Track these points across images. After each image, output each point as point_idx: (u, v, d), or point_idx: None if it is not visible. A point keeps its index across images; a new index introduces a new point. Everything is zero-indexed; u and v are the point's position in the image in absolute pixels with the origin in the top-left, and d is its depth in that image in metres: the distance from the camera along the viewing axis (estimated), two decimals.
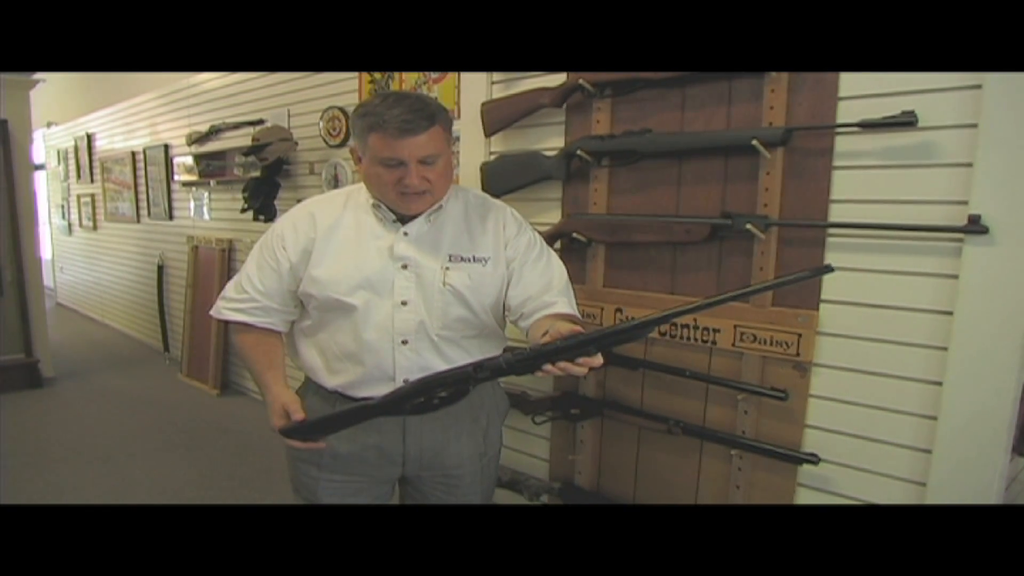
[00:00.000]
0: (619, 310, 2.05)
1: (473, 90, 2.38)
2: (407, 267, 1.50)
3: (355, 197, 1.58)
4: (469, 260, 1.54)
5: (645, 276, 2.02)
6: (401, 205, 1.48)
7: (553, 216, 2.22)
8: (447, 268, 1.52)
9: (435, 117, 1.44)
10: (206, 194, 5.08)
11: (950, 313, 1.51)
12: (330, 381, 1.57)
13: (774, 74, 1.70)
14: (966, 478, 1.52)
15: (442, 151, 1.47)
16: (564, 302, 1.53)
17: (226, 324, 1.65)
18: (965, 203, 1.46)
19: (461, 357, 1.52)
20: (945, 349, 1.52)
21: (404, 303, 1.50)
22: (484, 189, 2.27)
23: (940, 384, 1.54)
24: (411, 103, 1.42)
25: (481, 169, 2.29)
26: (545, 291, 1.54)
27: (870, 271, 1.62)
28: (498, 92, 2.33)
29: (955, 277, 1.49)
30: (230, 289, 1.61)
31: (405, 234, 1.51)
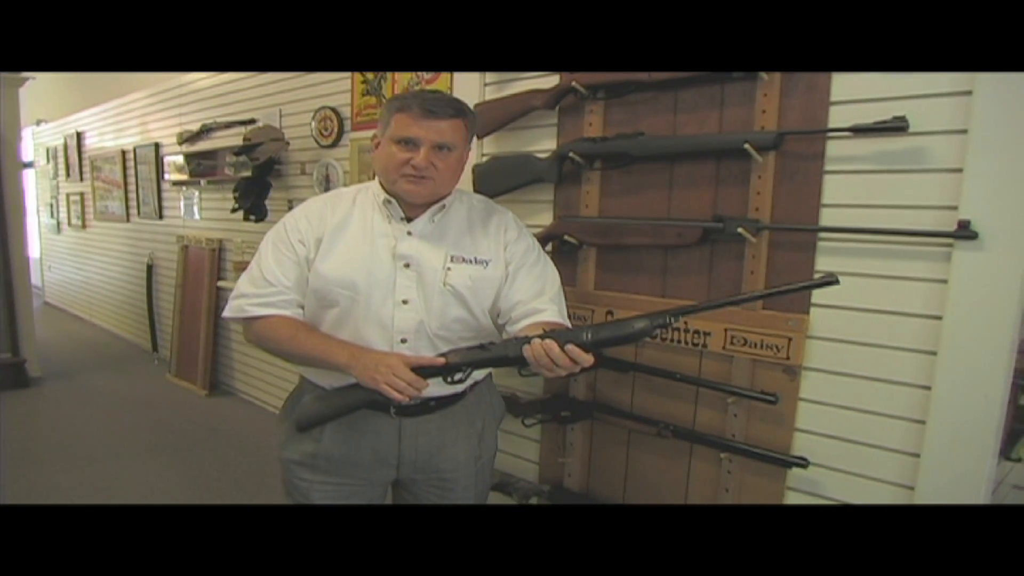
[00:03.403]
0: (610, 312, 2.04)
1: (466, 91, 2.38)
2: (409, 266, 1.51)
3: (364, 194, 1.59)
4: (471, 261, 1.56)
5: (636, 279, 2.02)
6: (403, 188, 1.49)
7: (545, 218, 2.22)
8: (449, 268, 1.53)
9: (462, 112, 1.50)
10: (196, 193, 5.05)
11: (939, 318, 1.51)
12: (327, 380, 1.56)
13: (766, 78, 1.70)
14: (954, 481, 1.52)
15: (458, 145, 1.51)
16: (555, 310, 1.55)
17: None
18: (955, 208, 1.46)
19: None
20: (934, 353, 1.53)
21: (405, 302, 1.50)
22: (476, 191, 2.27)
23: (929, 388, 1.54)
24: (443, 95, 1.50)
25: (473, 171, 2.29)
26: (536, 297, 1.56)
27: (861, 275, 1.62)
28: (491, 93, 2.33)
29: (944, 282, 1.50)
30: (246, 286, 1.55)
31: (409, 233, 1.52)
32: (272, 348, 1.54)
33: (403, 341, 1.51)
